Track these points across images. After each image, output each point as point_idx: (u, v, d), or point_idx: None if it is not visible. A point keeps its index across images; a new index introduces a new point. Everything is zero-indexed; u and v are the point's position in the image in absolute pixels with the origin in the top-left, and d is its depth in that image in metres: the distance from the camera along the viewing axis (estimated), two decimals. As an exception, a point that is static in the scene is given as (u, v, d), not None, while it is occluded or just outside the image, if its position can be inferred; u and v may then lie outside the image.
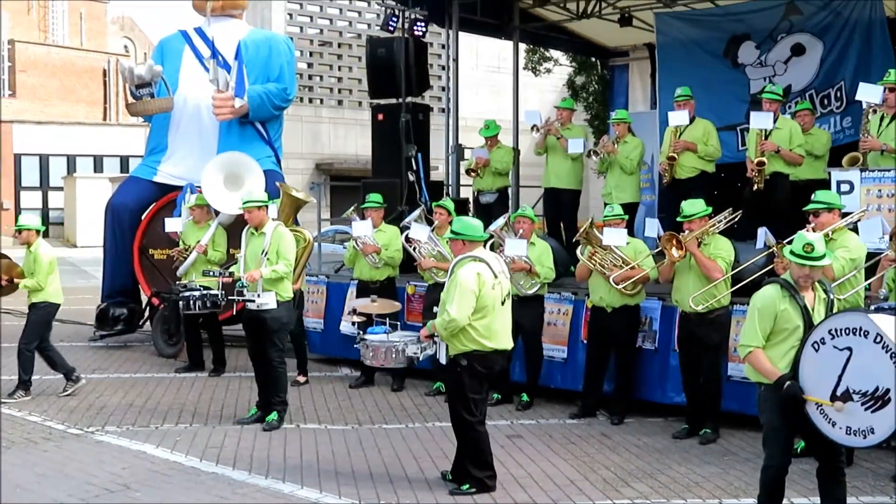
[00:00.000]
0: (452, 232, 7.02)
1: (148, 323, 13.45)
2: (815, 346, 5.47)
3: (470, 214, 14.14)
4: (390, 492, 6.92)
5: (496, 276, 6.83)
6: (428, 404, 9.87)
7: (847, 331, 5.35)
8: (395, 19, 13.73)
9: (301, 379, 10.75)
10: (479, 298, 6.70)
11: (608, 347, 9.09)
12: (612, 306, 8.89)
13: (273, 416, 8.74)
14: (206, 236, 11.27)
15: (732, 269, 8.29)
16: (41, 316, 9.88)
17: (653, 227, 9.44)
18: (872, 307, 6.00)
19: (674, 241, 8.23)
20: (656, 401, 9.21)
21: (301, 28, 27.40)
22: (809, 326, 5.60)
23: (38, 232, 9.91)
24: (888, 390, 5.18)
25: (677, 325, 8.69)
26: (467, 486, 6.88)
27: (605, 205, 10.52)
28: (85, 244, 32.10)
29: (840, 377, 5.35)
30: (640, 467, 7.55)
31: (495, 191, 12.48)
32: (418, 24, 13.80)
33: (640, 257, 8.91)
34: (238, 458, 7.74)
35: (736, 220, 8.93)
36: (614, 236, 8.86)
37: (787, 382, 5.56)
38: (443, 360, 6.95)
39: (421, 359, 7.28)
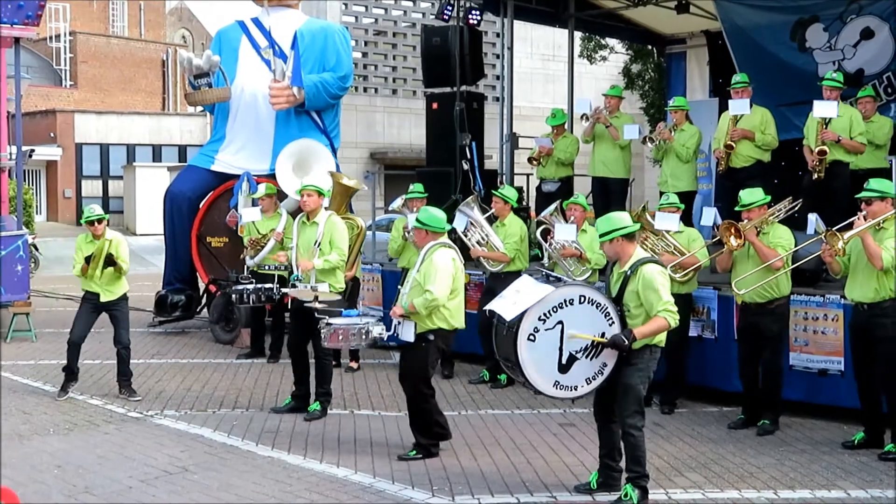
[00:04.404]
0: (418, 221, 7.51)
1: (205, 309, 13.65)
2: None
3: (525, 203, 14.14)
4: (443, 477, 6.96)
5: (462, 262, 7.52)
6: (480, 391, 9.91)
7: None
8: (449, 8, 13.70)
9: (353, 364, 10.85)
10: (453, 280, 7.33)
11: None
12: None
13: (316, 406, 8.78)
14: (280, 224, 11.27)
15: (793, 261, 8.19)
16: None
17: (709, 215, 9.36)
18: (543, 273, 6.75)
19: (732, 230, 8.14)
20: (721, 388, 9.13)
21: (356, 17, 27.48)
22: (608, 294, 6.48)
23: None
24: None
25: (736, 315, 8.62)
26: (414, 451, 7.47)
27: (661, 193, 10.47)
28: (144, 232, 32.57)
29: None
30: (693, 457, 7.52)
31: (558, 180, 12.38)
32: (473, 12, 13.78)
33: (693, 245, 8.85)
34: (293, 443, 7.84)
35: (796, 209, 8.83)
36: (666, 221, 8.82)
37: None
38: (410, 338, 7.37)
39: (385, 338, 7.59)
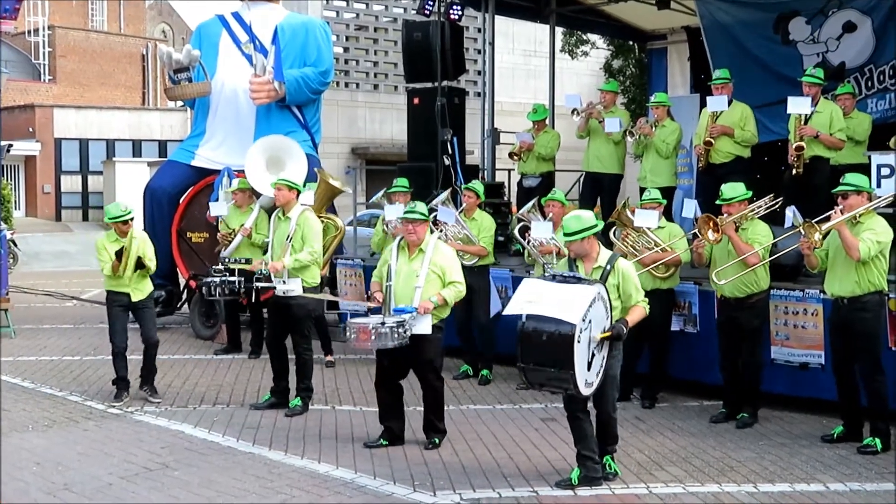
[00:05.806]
0: (417, 213, 7.55)
1: (186, 305, 13.59)
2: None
3: (506, 198, 14.16)
4: (424, 473, 6.97)
5: None
6: (462, 387, 9.91)
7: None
8: (431, 3, 13.69)
9: (329, 358, 10.83)
10: None
11: (641, 331, 9.05)
12: (643, 289, 8.85)
13: (297, 401, 8.76)
14: (249, 219, 11.25)
15: (771, 255, 8.23)
16: None
17: (690, 207, 9.38)
18: (549, 274, 6.75)
19: (710, 224, 8.16)
20: (703, 381, 9.18)
21: (337, 12, 27.40)
22: None
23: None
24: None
25: (716, 309, 8.66)
26: (437, 440, 7.66)
27: (641, 189, 10.50)
28: (124, 228, 32.39)
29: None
30: (674, 451, 7.54)
31: (539, 175, 12.36)
32: (454, 7, 13.77)
33: (674, 241, 8.86)
34: (274, 439, 7.83)
35: (777, 206, 8.87)
36: (645, 218, 8.81)
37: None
38: (427, 331, 7.41)
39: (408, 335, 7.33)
